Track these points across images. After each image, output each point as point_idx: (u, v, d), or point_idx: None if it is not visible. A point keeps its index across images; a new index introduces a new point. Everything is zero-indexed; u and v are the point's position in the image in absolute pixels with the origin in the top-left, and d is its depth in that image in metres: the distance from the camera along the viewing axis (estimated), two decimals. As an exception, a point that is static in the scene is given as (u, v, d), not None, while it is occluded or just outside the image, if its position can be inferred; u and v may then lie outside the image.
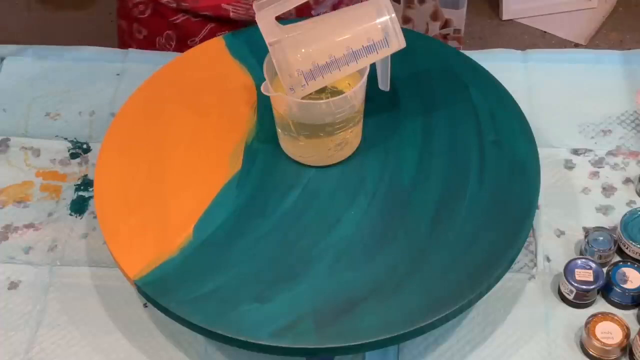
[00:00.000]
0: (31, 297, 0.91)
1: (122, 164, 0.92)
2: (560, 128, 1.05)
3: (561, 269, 0.89)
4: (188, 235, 0.86)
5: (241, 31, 1.05)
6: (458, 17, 2.04)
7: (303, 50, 0.83)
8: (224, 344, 0.80)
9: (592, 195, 0.99)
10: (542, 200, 0.95)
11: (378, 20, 0.84)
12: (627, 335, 0.85)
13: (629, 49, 1.17)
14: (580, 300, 0.88)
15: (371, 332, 0.78)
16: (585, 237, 0.92)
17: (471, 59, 1.02)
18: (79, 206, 0.99)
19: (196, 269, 0.83)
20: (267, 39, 0.82)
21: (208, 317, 0.79)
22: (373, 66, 0.88)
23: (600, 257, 0.91)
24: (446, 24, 2.05)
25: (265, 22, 0.82)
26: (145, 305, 0.90)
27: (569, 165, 1.02)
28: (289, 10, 0.84)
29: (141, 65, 1.13)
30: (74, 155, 1.05)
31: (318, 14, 1.20)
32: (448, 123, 0.95)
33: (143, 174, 0.91)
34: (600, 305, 0.89)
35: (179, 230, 0.86)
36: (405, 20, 2.07)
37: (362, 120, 0.91)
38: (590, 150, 1.03)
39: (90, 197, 0.99)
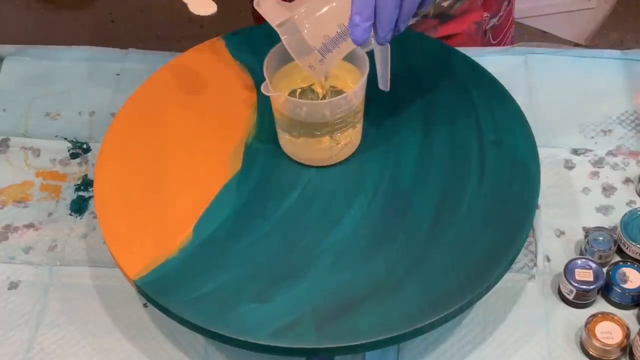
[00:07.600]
0: (31, 297, 0.91)
1: (122, 164, 0.92)
2: (560, 128, 1.05)
3: (561, 269, 0.89)
4: (188, 235, 0.86)
5: (241, 31, 1.05)
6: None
7: (311, 24, 0.81)
8: (224, 344, 0.80)
9: (592, 195, 0.99)
10: (542, 200, 0.95)
11: None
12: (627, 335, 0.85)
13: (629, 49, 1.16)
14: (580, 300, 0.88)
15: (371, 332, 0.78)
16: (585, 237, 0.92)
17: (471, 59, 1.02)
18: (79, 206, 0.99)
19: (196, 269, 0.83)
20: (275, 21, 0.80)
21: (208, 317, 0.79)
22: (373, 66, 0.88)
23: (600, 257, 0.91)
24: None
25: (268, 6, 0.80)
26: (145, 305, 0.90)
27: (569, 165, 1.01)
28: None
29: (141, 65, 1.13)
30: (74, 155, 1.04)
31: None
32: (448, 123, 0.94)
33: (143, 174, 0.91)
34: (600, 305, 0.89)
35: (179, 230, 0.86)
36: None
37: (362, 120, 0.91)
38: (590, 150, 1.03)
39: (90, 197, 0.99)
